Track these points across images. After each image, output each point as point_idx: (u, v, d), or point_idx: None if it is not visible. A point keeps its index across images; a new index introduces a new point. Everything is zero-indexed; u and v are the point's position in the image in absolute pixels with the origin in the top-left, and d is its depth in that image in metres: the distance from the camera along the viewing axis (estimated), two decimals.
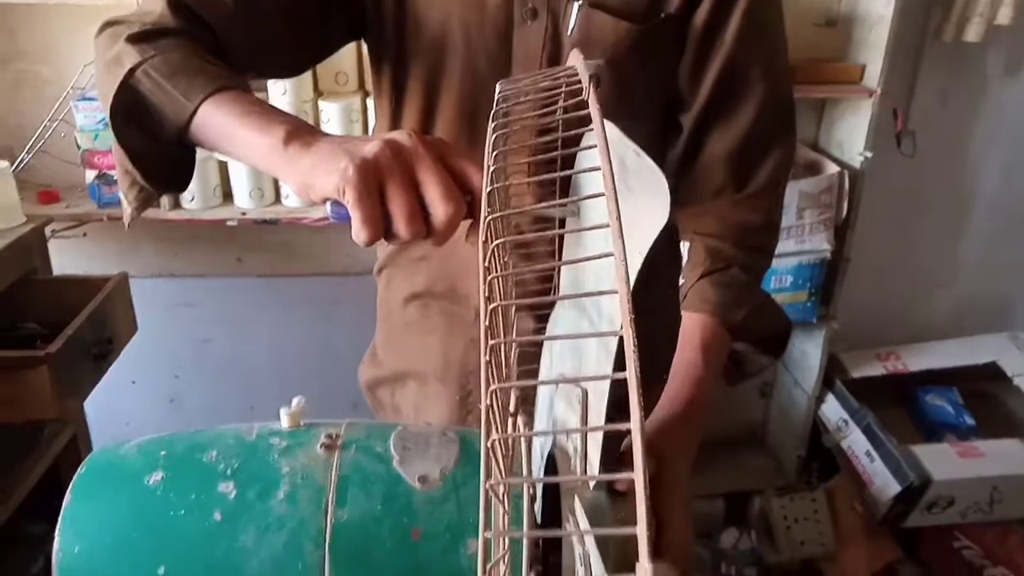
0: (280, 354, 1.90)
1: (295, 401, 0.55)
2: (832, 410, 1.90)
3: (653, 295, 0.68)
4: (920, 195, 1.92)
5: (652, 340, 0.62)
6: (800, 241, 1.64)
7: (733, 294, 0.75)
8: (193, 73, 0.62)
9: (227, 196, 1.58)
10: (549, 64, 0.73)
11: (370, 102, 1.55)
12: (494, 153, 0.42)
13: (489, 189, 0.38)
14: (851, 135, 1.67)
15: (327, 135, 0.56)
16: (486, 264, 0.34)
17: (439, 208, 0.49)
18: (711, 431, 1.97)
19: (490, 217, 0.36)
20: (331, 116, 1.54)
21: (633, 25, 0.73)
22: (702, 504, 1.95)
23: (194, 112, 0.60)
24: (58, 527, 0.47)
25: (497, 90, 0.48)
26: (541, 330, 0.69)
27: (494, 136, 0.42)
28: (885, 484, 1.70)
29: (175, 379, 1.91)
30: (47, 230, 1.52)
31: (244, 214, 1.54)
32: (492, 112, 0.44)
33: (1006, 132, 1.86)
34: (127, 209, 0.71)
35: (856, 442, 1.81)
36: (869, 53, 1.60)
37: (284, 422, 0.54)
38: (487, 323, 0.34)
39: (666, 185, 0.34)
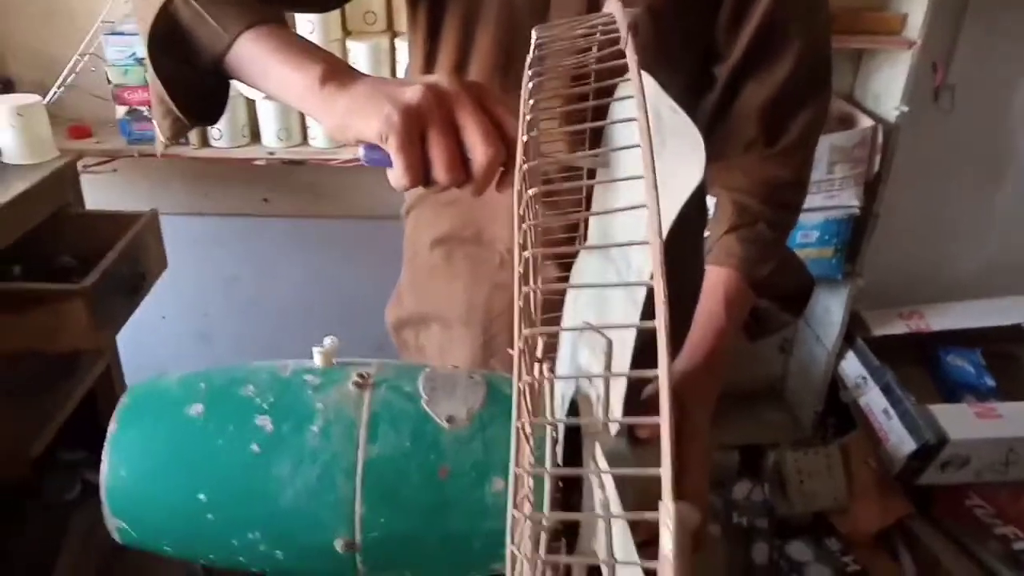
0: (306, 294, 1.93)
1: (328, 340, 0.57)
2: (851, 367, 1.90)
3: (680, 247, 0.68)
4: (955, 152, 1.88)
5: (678, 292, 0.63)
6: (829, 196, 1.62)
7: (758, 250, 0.76)
8: (232, 4, 0.61)
9: (255, 135, 1.58)
10: (588, 9, 0.72)
11: (398, 43, 1.54)
12: (530, 102, 0.42)
13: (525, 138, 0.38)
14: (888, 88, 1.63)
15: (364, 75, 0.56)
16: (520, 212, 0.35)
17: (479, 153, 0.50)
18: (730, 384, 1.98)
19: (526, 166, 0.37)
20: (358, 57, 1.53)
21: None
22: (717, 455, 1.98)
23: (231, 44, 0.60)
24: (105, 452, 0.50)
25: (533, 36, 0.48)
26: (565, 278, 0.70)
27: (530, 84, 0.42)
28: (901, 442, 1.71)
29: (204, 316, 1.95)
30: (78, 165, 1.54)
31: (272, 154, 1.55)
32: (528, 60, 0.44)
33: None
34: (160, 137, 0.72)
35: (874, 399, 1.82)
36: (911, 2, 1.55)
37: (317, 360, 0.56)
38: (520, 270, 0.35)
39: (702, 144, 0.34)
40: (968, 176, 1.92)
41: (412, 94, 0.50)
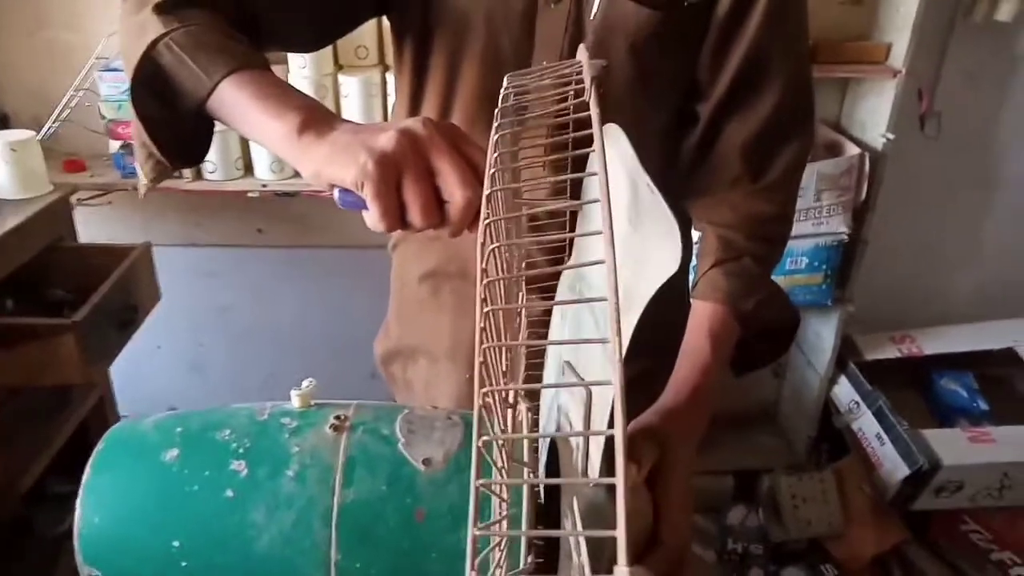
0: (300, 324, 1.94)
1: (306, 382, 0.57)
2: (844, 392, 1.90)
3: (665, 284, 0.69)
4: (943, 178, 1.89)
5: (665, 328, 0.63)
6: (817, 223, 1.63)
7: (744, 284, 0.76)
8: (215, 50, 0.63)
9: (248, 168, 1.60)
10: (571, 48, 0.73)
11: (390, 76, 1.56)
12: (495, 155, 0.43)
13: (489, 192, 0.39)
14: (874, 116, 1.65)
15: (342, 122, 0.57)
16: (484, 266, 0.36)
17: (456, 195, 0.51)
18: (723, 408, 1.99)
19: (489, 220, 0.38)
20: (351, 90, 1.55)
21: (656, 12, 0.73)
22: (712, 480, 1.97)
23: (213, 89, 0.62)
24: (79, 499, 0.50)
25: (504, 85, 0.49)
26: (548, 312, 0.70)
27: (497, 136, 0.43)
28: (894, 467, 1.71)
29: (199, 346, 1.95)
30: (72, 199, 1.55)
31: (265, 186, 1.57)
32: (497, 109, 0.45)
33: None
34: (142, 180, 0.73)
35: (866, 424, 1.82)
36: (895, 32, 1.57)
37: (295, 402, 0.57)
38: (481, 325, 0.36)
39: (677, 231, 0.34)
40: (957, 201, 1.94)
41: (386, 141, 0.52)
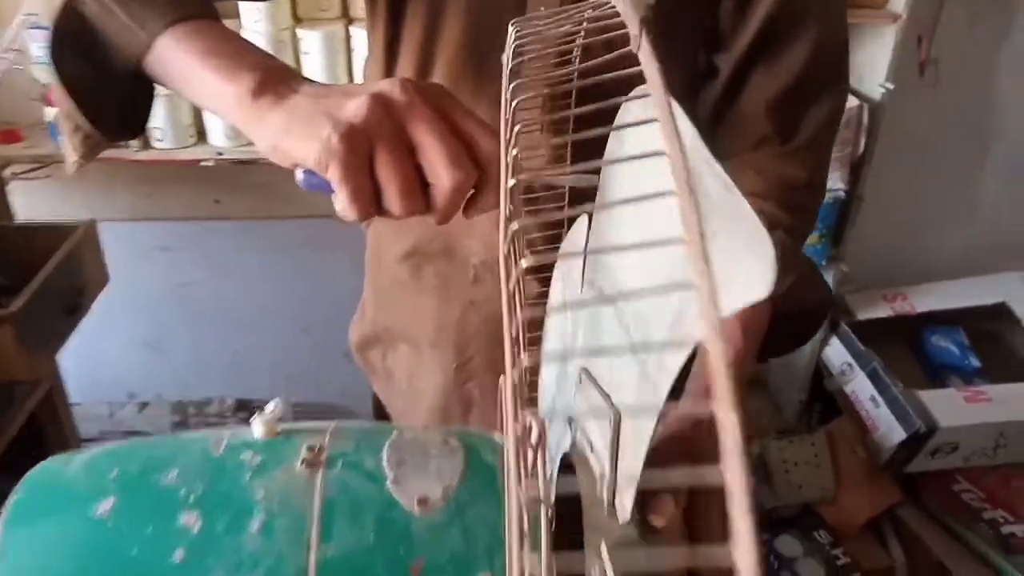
0: (265, 300, 1.82)
1: (270, 405, 0.47)
2: (836, 353, 1.84)
3: None
4: (940, 129, 1.81)
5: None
6: None
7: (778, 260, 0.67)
8: None
9: (201, 134, 1.46)
10: None
11: (355, 30, 1.43)
12: (513, 114, 0.32)
13: (513, 183, 0.29)
14: (872, 65, 1.55)
15: (305, 84, 0.47)
16: (511, 290, 0.26)
17: (443, 177, 0.41)
18: None
19: (516, 226, 0.27)
20: (311, 46, 1.41)
21: None
22: None
23: (150, 45, 0.51)
24: None
25: (511, 32, 0.39)
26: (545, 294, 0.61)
27: (512, 87, 0.33)
28: (890, 430, 1.66)
29: (157, 326, 1.83)
30: (7, 172, 1.41)
31: (220, 154, 1.44)
32: (506, 60, 0.35)
33: None
34: (70, 157, 0.61)
35: (860, 387, 1.76)
36: None
37: (257, 431, 0.47)
38: (513, 334, 0.26)
39: (769, 247, 0.24)
40: (952, 153, 1.87)
41: (356, 109, 0.41)
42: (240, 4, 1.35)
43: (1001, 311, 1.90)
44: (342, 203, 0.42)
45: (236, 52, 0.49)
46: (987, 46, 1.73)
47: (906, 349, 1.94)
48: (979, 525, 1.74)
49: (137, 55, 0.51)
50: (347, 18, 1.47)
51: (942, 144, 1.84)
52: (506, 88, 0.35)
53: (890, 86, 1.51)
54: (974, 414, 1.63)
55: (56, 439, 1.44)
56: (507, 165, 0.29)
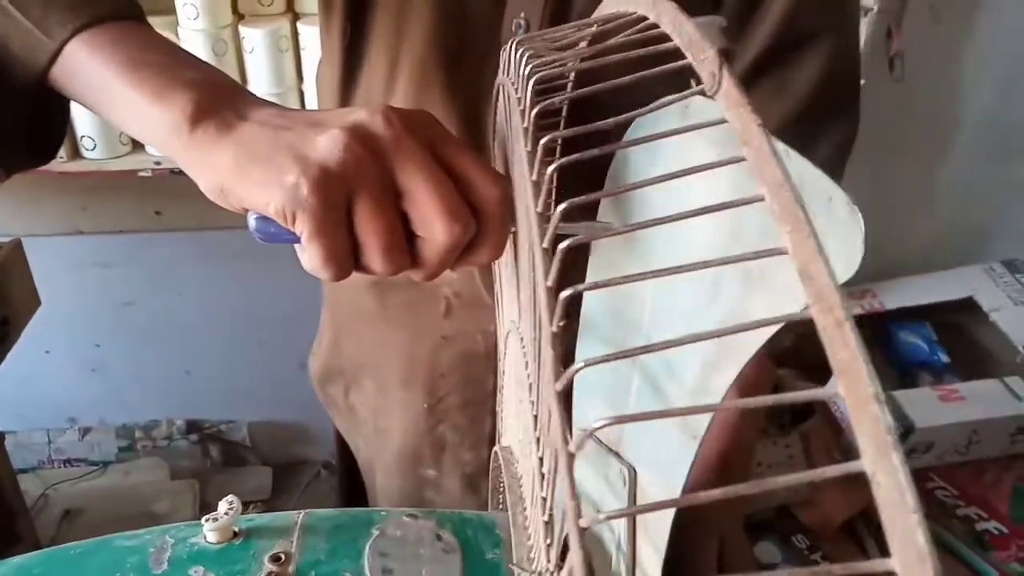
0: (216, 314, 1.71)
1: (224, 503, 0.39)
2: None
3: None
4: (903, 121, 1.80)
5: None
6: None
7: None
8: None
9: (136, 143, 1.35)
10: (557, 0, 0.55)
11: (302, 26, 1.33)
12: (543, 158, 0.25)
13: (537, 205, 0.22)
14: None
15: (256, 106, 0.38)
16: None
17: (437, 233, 0.33)
18: None
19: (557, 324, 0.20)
20: (255, 44, 1.31)
21: None
22: None
23: (56, 53, 0.41)
24: None
25: (513, 51, 0.31)
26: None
27: (541, 149, 0.25)
28: None
29: (95, 347, 1.70)
30: None
31: (158, 163, 1.32)
32: (524, 97, 0.28)
33: (1000, 52, 1.74)
34: None
35: (833, 387, 1.74)
36: None
37: (209, 535, 0.38)
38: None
39: (860, 229, 0.23)
40: (917, 145, 1.85)
41: (329, 148, 0.33)
42: (176, 1, 1.25)
43: (968, 304, 1.89)
44: (313, 262, 0.34)
45: (166, 63, 0.40)
46: (950, 33, 1.71)
47: (873, 345, 1.93)
48: (953, 523, 1.73)
49: (41, 67, 0.42)
50: (292, 12, 1.37)
51: (907, 138, 1.82)
52: (526, 120, 0.27)
53: (862, 81, 1.47)
54: (949, 413, 1.62)
55: None
56: (536, 219, 0.22)
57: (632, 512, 0.36)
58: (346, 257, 0.34)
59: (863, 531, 1.77)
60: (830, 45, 0.60)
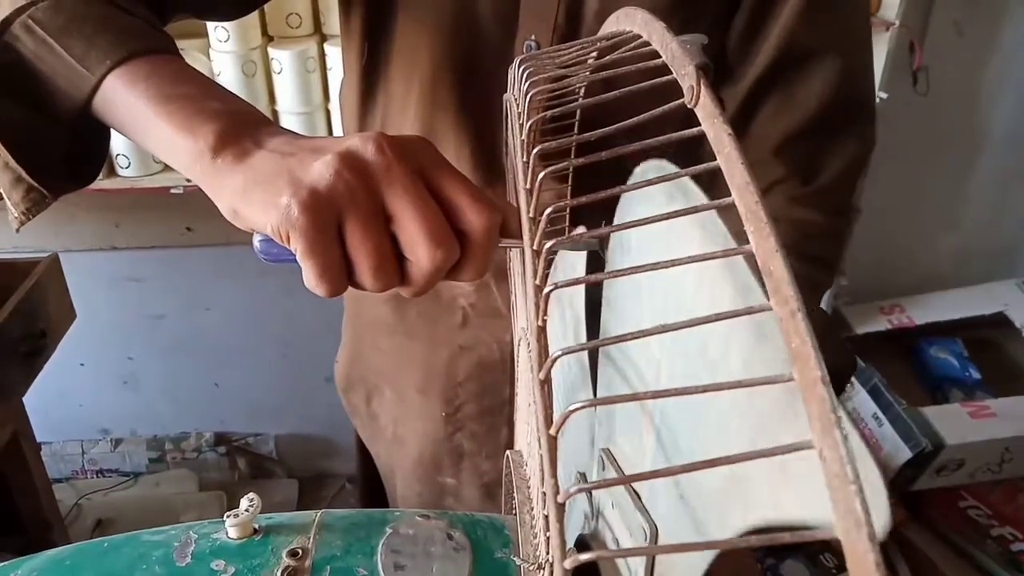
0: (243, 328, 1.74)
1: (245, 501, 0.40)
2: None
3: None
4: (929, 136, 1.78)
5: None
6: None
7: None
8: (95, 29, 0.44)
9: None
10: (567, 17, 0.56)
11: (329, 48, 1.36)
12: (533, 169, 0.26)
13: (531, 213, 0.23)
14: None
15: (273, 136, 0.40)
16: (545, 406, 0.20)
17: (421, 257, 0.35)
18: None
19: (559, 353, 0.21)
20: (283, 65, 1.34)
21: None
22: None
23: (96, 87, 0.44)
24: None
25: (518, 71, 0.33)
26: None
27: (543, 173, 0.27)
28: (895, 449, 1.62)
29: (128, 360, 1.74)
30: None
31: (189, 181, 1.36)
32: (527, 117, 0.29)
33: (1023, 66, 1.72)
34: (12, 212, 0.54)
35: (862, 404, 1.71)
36: None
37: (231, 531, 0.40)
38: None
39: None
40: (943, 159, 1.83)
41: (321, 172, 0.35)
42: (208, 24, 1.29)
43: (999, 320, 1.86)
44: (307, 279, 0.36)
45: (195, 96, 0.42)
46: (975, 49, 1.70)
47: (904, 362, 1.90)
48: (987, 543, 1.69)
49: (83, 98, 0.45)
50: (320, 35, 1.40)
51: (934, 153, 1.81)
52: (522, 135, 0.28)
53: (884, 95, 1.46)
54: (980, 430, 1.59)
55: (23, 485, 1.36)
56: (532, 196, 0.23)
57: (621, 481, 0.36)
58: (339, 275, 0.36)
59: (893, 551, 1.75)
60: (837, 61, 0.60)
